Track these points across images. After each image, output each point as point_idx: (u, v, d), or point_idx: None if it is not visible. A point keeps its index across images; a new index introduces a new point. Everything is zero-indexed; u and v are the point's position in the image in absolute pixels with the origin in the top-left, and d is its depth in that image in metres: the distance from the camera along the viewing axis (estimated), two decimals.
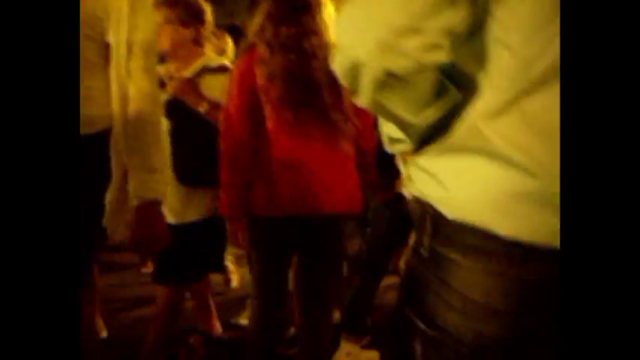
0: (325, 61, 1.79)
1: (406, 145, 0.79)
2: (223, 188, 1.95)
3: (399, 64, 0.65)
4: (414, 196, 0.80)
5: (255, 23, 1.95)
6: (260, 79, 1.89)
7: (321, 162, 1.92)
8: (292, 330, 2.53)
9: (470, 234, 0.71)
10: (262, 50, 1.90)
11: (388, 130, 0.81)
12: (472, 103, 0.70)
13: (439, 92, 0.70)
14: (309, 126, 1.90)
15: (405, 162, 0.84)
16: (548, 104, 0.65)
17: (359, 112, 1.94)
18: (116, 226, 1.58)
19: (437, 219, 0.74)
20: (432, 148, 0.75)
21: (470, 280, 0.71)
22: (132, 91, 1.45)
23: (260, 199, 1.93)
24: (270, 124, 1.90)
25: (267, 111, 1.89)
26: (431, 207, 0.75)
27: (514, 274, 0.69)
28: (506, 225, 0.68)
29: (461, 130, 0.72)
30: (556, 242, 0.65)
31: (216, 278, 3.15)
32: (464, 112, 0.71)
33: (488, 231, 0.69)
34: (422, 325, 0.76)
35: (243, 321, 2.76)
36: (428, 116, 0.71)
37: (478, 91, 0.70)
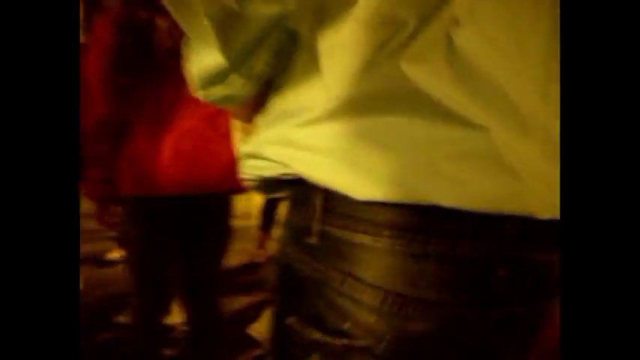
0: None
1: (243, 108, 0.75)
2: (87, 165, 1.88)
3: None
4: (274, 178, 0.69)
5: None
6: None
7: (183, 133, 1.83)
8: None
9: (383, 208, 0.58)
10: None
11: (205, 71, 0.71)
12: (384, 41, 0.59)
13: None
14: (154, 91, 1.81)
15: (247, 135, 0.77)
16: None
17: None
18: None
19: (331, 196, 0.60)
20: (314, 113, 0.63)
21: (387, 267, 0.58)
22: None
23: (125, 177, 1.85)
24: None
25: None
26: (320, 186, 0.62)
27: (449, 254, 0.58)
28: (444, 193, 0.56)
29: (367, 81, 0.59)
30: (515, 208, 0.57)
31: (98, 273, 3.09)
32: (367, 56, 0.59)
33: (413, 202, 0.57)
34: (319, 336, 0.61)
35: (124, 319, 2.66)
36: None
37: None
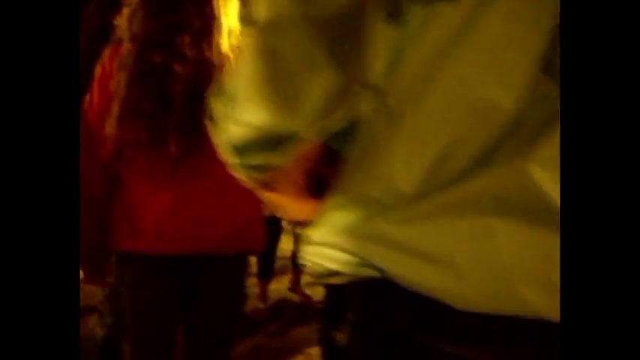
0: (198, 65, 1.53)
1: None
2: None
3: None
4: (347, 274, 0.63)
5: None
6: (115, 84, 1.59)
7: (188, 192, 1.60)
8: None
9: (482, 317, 0.57)
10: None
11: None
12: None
13: None
14: (170, 147, 1.57)
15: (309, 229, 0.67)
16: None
17: None
18: None
19: (420, 301, 0.58)
20: (409, 206, 0.59)
21: None
22: None
23: (123, 232, 1.65)
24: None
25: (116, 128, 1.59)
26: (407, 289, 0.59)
27: None
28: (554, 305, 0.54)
29: (477, 177, 0.56)
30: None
31: None
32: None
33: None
34: None
35: None
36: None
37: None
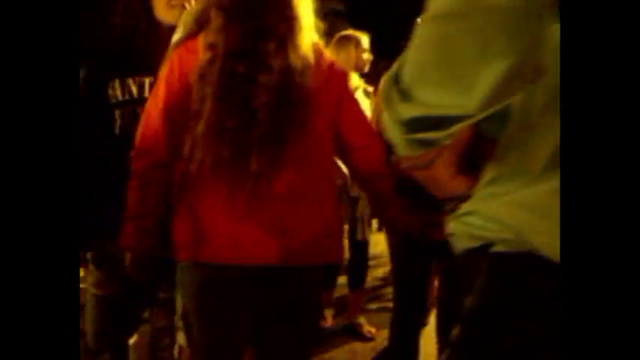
0: (286, 74, 1.44)
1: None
2: (128, 220, 1.57)
3: None
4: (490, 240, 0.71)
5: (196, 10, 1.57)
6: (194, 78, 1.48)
7: (266, 200, 1.48)
8: None
9: None
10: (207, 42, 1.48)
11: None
12: None
13: None
14: (252, 164, 1.45)
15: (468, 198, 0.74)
16: None
17: (356, 127, 1.62)
18: None
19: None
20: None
21: None
22: None
23: (189, 241, 1.52)
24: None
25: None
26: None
27: None
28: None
29: None
30: None
31: None
32: None
33: None
34: None
35: None
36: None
37: None
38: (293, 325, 1.60)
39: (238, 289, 1.52)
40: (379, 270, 4.76)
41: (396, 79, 0.73)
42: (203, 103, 1.45)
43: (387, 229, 2.44)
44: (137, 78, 1.82)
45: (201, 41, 1.50)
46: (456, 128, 0.67)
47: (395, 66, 0.74)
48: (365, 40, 3.28)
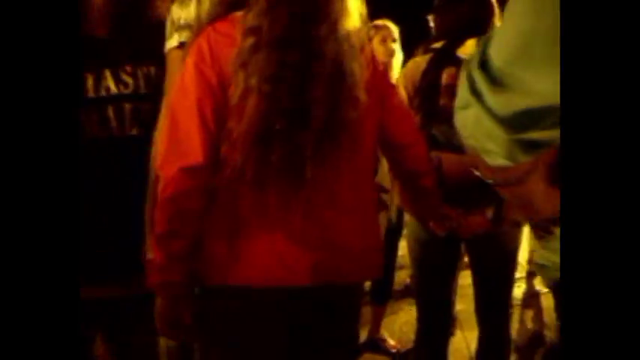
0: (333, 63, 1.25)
1: None
2: (158, 242, 1.26)
3: None
4: None
5: None
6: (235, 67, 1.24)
7: (322, 209, 1.29)
8: None
9: None
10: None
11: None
12: None
13: None
14: (306, 171, 1.26)
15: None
16: None
17: (398, 119, 1.45)
18: None
19: None
20: None
21: None
22: None
23: (221, 261, 1.28)
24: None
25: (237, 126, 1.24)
26: None
27: None
28: None
29: None
30: None
31: None
32: None
33: None
34: None
35: None
36: None
37: None
38: (336, 352, 1.41)
39: (279, 314, 1.31)
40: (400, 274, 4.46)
41: (482, 65, 0.59)
42: (245, 99, 1.23)
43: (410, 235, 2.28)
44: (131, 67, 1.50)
45: (237, 24, 1.27)
46: None
47: (478, 49, 0.61)
48: (394, 29, 3.00)
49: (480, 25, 1.93)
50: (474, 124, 0.60)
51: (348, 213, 1.32)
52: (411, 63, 2.18)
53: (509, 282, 2.17)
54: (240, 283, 1.26)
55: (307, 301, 1.32)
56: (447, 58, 1.93)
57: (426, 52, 2.15)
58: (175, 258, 1.25)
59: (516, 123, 0.57)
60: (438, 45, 2.02)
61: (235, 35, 1.25)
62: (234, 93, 1.23)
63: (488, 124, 0.58)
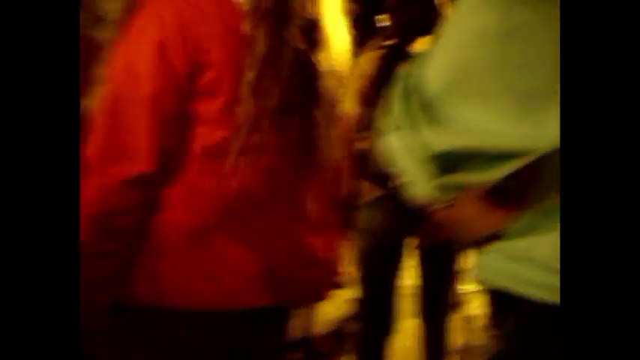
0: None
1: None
2: (85, 262, 0.86)
3: None
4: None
5: None
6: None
7: (295, 220, 1.12)
8: None
9: None
10: None
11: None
12: None
13: None
14: (284, 156, 1.07)
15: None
16: None
17: None
18: None
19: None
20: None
21: None
22: None
23: (172, 283, 1.04)
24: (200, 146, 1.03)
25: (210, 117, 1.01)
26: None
27: None
28: None
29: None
30: None
31: None
32: None
33: None
34: None
35: None
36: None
37: None
38: None
39: (246, 336, 1.12)
40: None
41: (415, 87, 0.55)
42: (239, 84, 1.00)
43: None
44: None
45: None
46: (514, 166, 0.51)
47: (410, 65, 0.58)
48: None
49: (431, 25, 2.01)
50: (406, 152, 0.57)
51: (325, 226, 1.15)
52: (363, 58, 2.25)
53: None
54: (206, 306, 1.05)
55: (260, 321, 1.11)
56: (399, 55, 2.04)
57: (378, 48, 2.26)
58: (106, 279, 1.03)
59: (448, 162, 0.54)
60: (390, 42, 2.17)
61: (212, 8, 1.00)
62: (219, 77, 1.01)
63: (421, 157, 0.54)
